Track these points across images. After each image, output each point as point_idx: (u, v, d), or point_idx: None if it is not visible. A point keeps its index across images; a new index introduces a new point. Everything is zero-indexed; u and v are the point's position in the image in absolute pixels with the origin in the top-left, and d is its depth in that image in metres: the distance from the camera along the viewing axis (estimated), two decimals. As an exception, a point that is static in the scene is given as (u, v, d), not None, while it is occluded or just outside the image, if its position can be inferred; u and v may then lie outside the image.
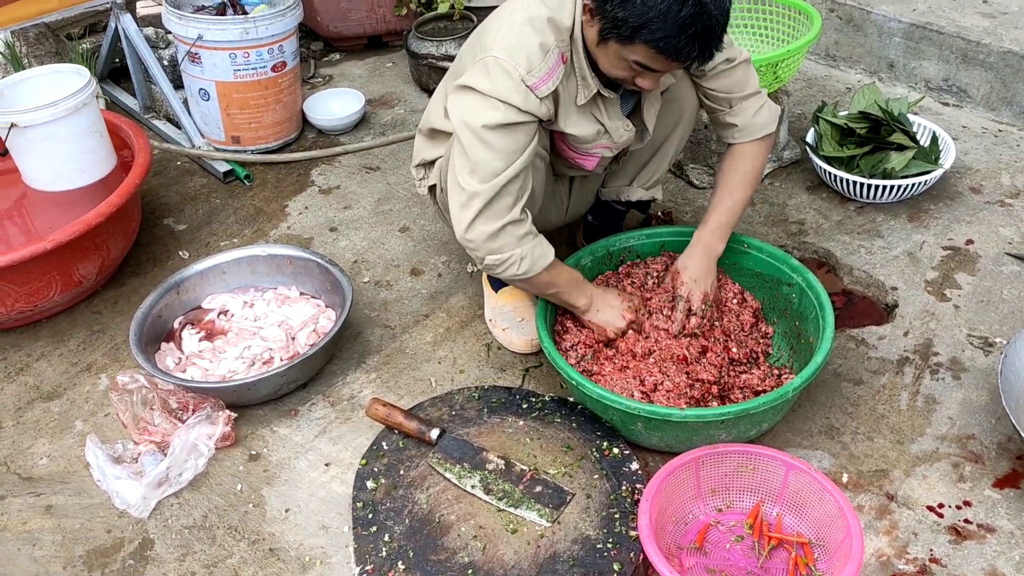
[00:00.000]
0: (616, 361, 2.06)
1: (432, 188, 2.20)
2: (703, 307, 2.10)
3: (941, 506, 1.88)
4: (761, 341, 2.16)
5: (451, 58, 3.25)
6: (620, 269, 2.29)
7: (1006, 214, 2.63)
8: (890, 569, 1.77)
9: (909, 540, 1.82)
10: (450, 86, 1.96)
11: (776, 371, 2.09)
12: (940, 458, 1.97)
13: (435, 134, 2.12)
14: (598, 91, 1.91)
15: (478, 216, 1.86)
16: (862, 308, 2.42)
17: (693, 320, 2.09)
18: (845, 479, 1.94)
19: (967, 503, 1.88)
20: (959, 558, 1.78)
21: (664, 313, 2.11)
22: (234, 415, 2.12)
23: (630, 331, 2.10)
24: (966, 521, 1.84)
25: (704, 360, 2.04)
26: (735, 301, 2.19)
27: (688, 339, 2.07)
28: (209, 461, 2.06)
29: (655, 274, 2.24)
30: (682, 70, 2.06)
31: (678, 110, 2.16)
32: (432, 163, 2.17)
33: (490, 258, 1.91)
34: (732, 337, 2.12)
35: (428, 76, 3.36)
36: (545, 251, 1.94)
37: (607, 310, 2.09)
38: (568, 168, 2.15)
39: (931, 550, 1.80)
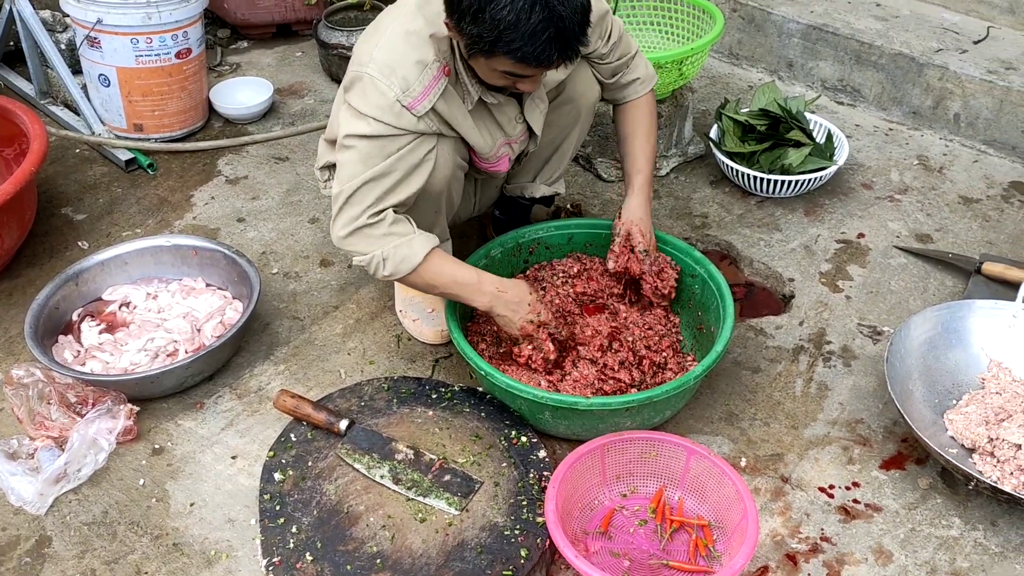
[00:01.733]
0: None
1: None
2: (644, 250, 2.15)
3: (832, 487, 1.97)
4: (672, 331, 2.22)
5: (361, 48, 3.23)
6: (528, 272, 2.31)
7: (895, 209, 2.76)
8: (784, 548, 1.85)
9: (802, 520, 1.90)
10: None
11: (681, 358, 2.16)
12: (831, 442, 2.07)
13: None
14: (479, 97, 1.93)
15: (336, 218, 1.92)
16: (761, 299, 2.51)
17: (635, 265, 2.14)
18: (743, 463, 2.02)
19: (856, 484, 1.97)
20: (848, 536, 1.87)
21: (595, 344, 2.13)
22: (136, 409, 2.08)
23: (526, 343, 2.03)
24: (855, 501, 1.94)
25: (621, 359, 2.08)
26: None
27: (605, 322, 2.12)
28: (110, 456, 2.01)
29: (562, 274, 2.28)
30: (582, 60, 2.11)
31: (575, 109, 2.20)
32: (335, 166, 2.16)
33: (355, 259, 1.94)
34: (650, 335, 2.17)
35: (338, 66, 3.33)
36: (411, 252, 1.89)
37: (505, 317, 2.00)
38: (482, 174, 2.18)
39: (822, 529, 1.88)
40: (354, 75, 1.88)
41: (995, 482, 1.86)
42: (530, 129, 2.08)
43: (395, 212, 1.92)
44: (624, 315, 2.19)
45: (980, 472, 1.90)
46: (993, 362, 2.13)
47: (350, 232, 1.90)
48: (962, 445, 1.98)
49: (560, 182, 2.38)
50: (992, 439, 1.93)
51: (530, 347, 2.03)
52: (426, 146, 1.91)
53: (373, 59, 1.84)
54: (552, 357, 2.04)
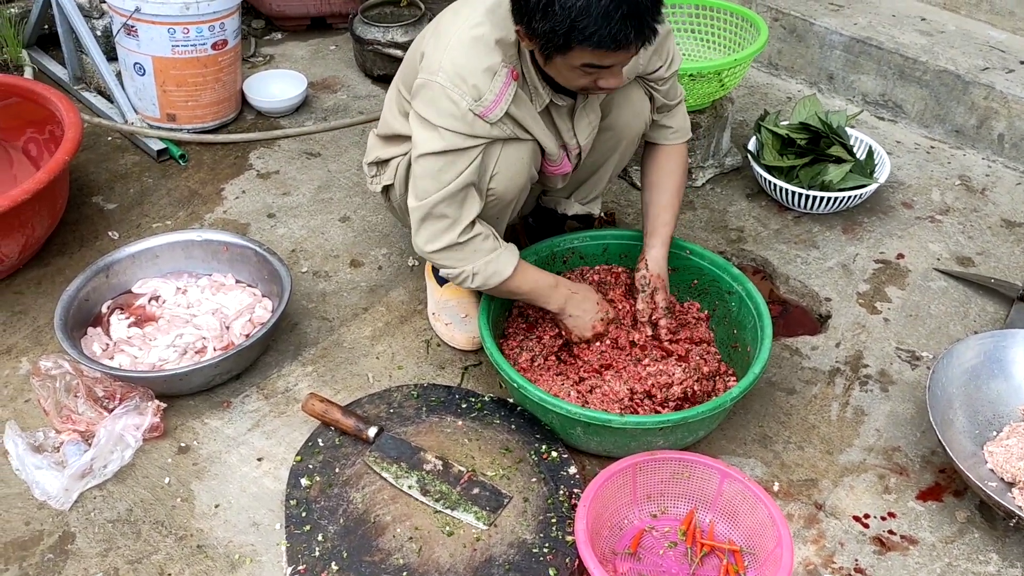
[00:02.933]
0: (562, 367, 2.07)
1: (386, 188, 2.17)
2: (665, 307, 2.13)
3: (867, 516, 1.93)
4: (710, 351, 2.18)
5: (397, 45, 3.20)
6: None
7: (935, 230, 2.71)
8: (817, 577, 1.82)
9: (836, 549, 1.86)
10: (402, 88, 2.01)
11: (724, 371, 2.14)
12: (867, 469, 2.03)
13: (391, 136, 2.10)
14: (551, 100, 1.91)
15: (418, 232, 1.94)
16: (796, 317, 2.46)
17: (660, 318, 2.13)
18: (776, 487, 1.98)
19: (892, 514, 1.93)
20: (883, 569, 1.83)
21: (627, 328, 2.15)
22: (163, 405, 2.06)
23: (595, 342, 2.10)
24: (890, 532, 1.90)
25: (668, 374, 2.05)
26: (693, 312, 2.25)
27: (646, 354, 2.10)
28: (136, 453, 2.00)
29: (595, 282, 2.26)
30: (639, 83, 2.09)
31: (615, 137, 2.17)
32: (386, 162, 2.14)
33: (443, 271, 1.98)
34: (704, 349, 2.15)
35: (373, 62, 3.31)
36: (500, 267, 1.94)
37: (579, 317, 2.07)
38: (545, 180, 2.16)
39: (856, 560, 1.85)
40: (422, 82, 1.85)
41: (1036, 519, 1.81)
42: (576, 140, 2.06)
43: (478, 224, 1.93)
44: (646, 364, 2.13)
45: (1020, 508, 1.86)
46: (1036, 394, 2.08)
47: (439, 249, 1.92)
48: (1002, 479, 1.94)
49: (596, 203, 2.36)
50: (1034, 474, 1.89)
51: (598, 344, 2.10)
52: (494, 151, 1.89)
53: (443, 67, 1.81)
54: (627, 343, 2.11)
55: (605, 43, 1.67)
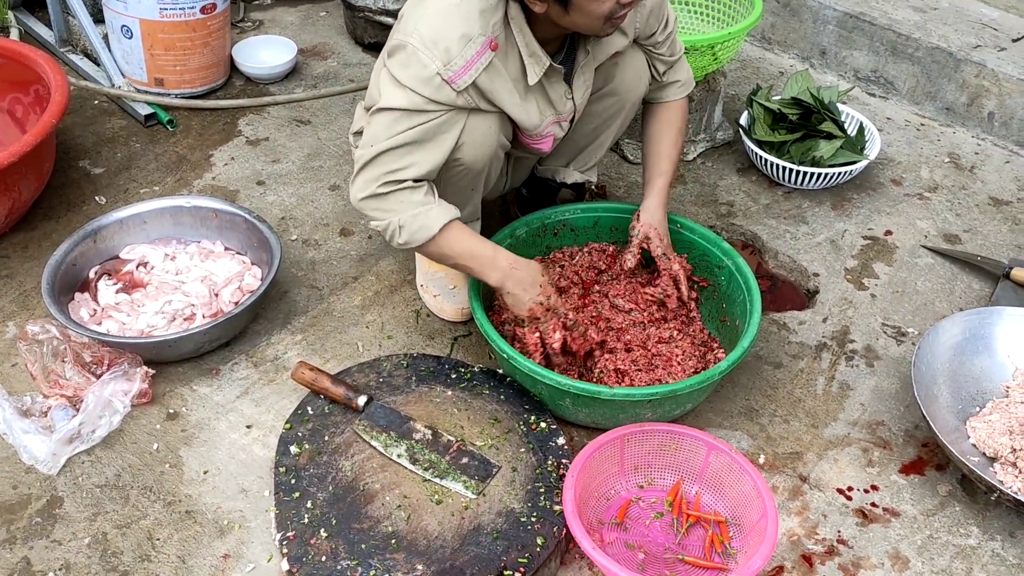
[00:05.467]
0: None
1: None
2: (663, 254, 2.13)
3: (850, 489, 1.95)
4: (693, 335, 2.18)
5: (388, 12, 3.17)
6: (549, 257, 2.28)
7: (924, 207, 2.72)
8: (800, 549, 1.84)
9: (819, 521, 1.89)
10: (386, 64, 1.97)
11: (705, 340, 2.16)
12: (851, 443, 2.05)
13: None
14: (550, 64, 1.90)
15: (355, 178, 1.91)
16: (785, 292, 2.48)
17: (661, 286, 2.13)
18: (762, 460, 2.00)
19: (874, 487, 1.96)
20: (865, 540, 1.86)
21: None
22: (152, 372, 2.06)
23: (532, 327, 1.98)
24: (873, 505, 1.92)
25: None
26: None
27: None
28: (124, 419, 1.99)
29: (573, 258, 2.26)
30: (639, 48, 2.08)
31: (619, 103, 2.17)
32: None
33: (371, 223, 1.93)
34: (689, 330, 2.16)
35: (363, 29, 3.27)
36: (428, 222, 1.86)
37: (516, 295, 1.95)
38: (526, 152, 2.14)
39: (839, 531, 1.87)
40: (397, 43, 1.84)
41: (1016, 493, 1.84)
42: (573, 99, 2.04)
43: (416, 182, 1.89)
44: (645, 331, 2.13)
45: (1001, 482, 1.88)
46: (1019, 371, 2.10)
47: (368, 195, 1.88)
48: (984, 453, 1.96)
49: (594, 171, 2.35)
50: (1016, 449, 1.91)
51: (536, 334, 1.98)
52: (456, 121, 1.87)
53: (417, 29, 1.80)
54: (556, 348, 1.98)
55: None
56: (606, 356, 2.05)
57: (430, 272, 2.27)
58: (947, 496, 1.95)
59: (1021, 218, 2.70)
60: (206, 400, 2.07)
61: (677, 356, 2.06)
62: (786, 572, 1.80)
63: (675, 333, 2.13)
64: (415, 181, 1.88)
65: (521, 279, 1.95)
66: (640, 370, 2.02)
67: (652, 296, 2.15)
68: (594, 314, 2.13)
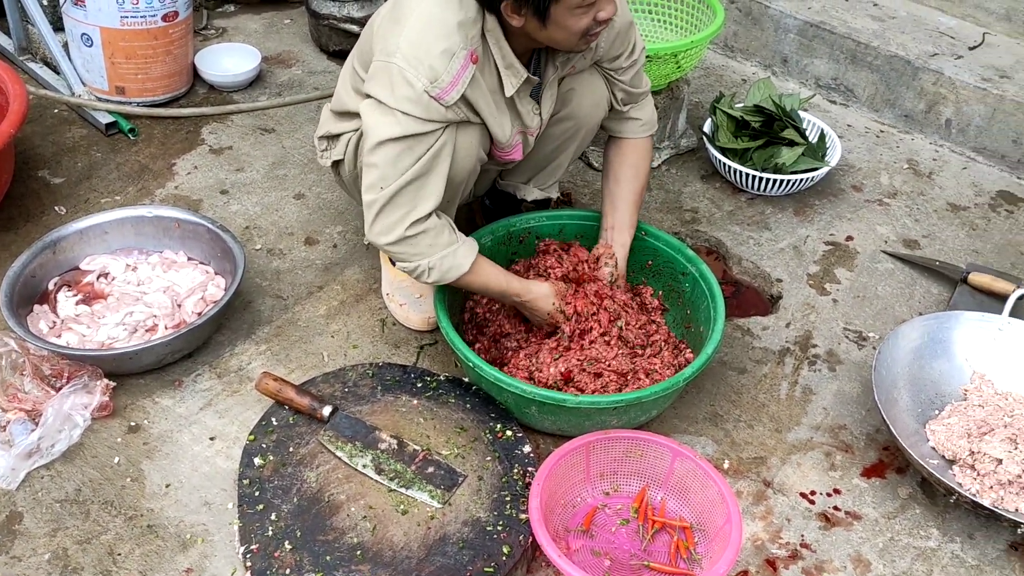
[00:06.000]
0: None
1: (336, 163, 2.15)
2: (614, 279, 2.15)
3: (813, 493, 1.97)
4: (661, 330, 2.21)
5: (353, 20, 3.16)
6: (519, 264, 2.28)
7: (884, 213, 2.76)
8: (764, 553, 1.85)
9: (783, 525, 1.91)
10: (357, 65, 1.98)
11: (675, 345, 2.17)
12: (814, 447, 2.07)
13: (343, 112, 2.08)
14: (526, 76, 1.90)
15: (373, 223, 1.89)
16: (748, 298, 2.50)
17: (619, 292, 2.15)
18: (726, 465, 2.01)
19: (837, 491, 1.98)
20: (827, 543, 1.88)
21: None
22: (113, 384, 2.03)
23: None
24: (835, 508, 1.95)
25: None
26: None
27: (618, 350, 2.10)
28: (84, 432, 1.97)
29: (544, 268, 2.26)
30: (599, 72, 2.10)
31: (576, 126, 2.18)
32: (337, 137, 2.11)
33: (399, 264, 1.95)
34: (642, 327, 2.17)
35: (328, 37, 3.26)
36: (457, 263, 1.91)
37: (533, 312, 2.07)
38: (494, 164, 2.15)
39: (802, 535, 1.89)
40: (379, 65, 1.82)
41: (974, 495, 1.87)
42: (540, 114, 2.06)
43: (436, 215, 1.90)
44: (615, 296, 2.15)
45: (960, 485, 1.91)
46: (976, 374, 2.14)
47: (395, 240, 1.88)
48: (943, 456, 1.99)
49: (554, 187, 2.36)
50: (973, 452, 1.94)
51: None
52: (449, 139, 1.88)
53: (400, 48, 1.79)
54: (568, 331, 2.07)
55: None
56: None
57: (396, 281, 2.27)
58: (907, 499, 1.97)
59: (978, 223, 2.75)
60: (168, 412, 2.04)
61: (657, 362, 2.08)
62: (750, 577, 1.81)
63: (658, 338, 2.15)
64: (437, 215, 1.90)
65: (529, 308, 2.06)
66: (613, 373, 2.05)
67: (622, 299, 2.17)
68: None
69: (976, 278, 2.43)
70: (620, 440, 1.90)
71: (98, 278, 2.27)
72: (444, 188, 1.89)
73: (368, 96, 1.87)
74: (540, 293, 2.06)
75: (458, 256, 1.92)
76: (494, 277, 2.01)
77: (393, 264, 2.24)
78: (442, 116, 1.82)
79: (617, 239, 2.18)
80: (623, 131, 2.21)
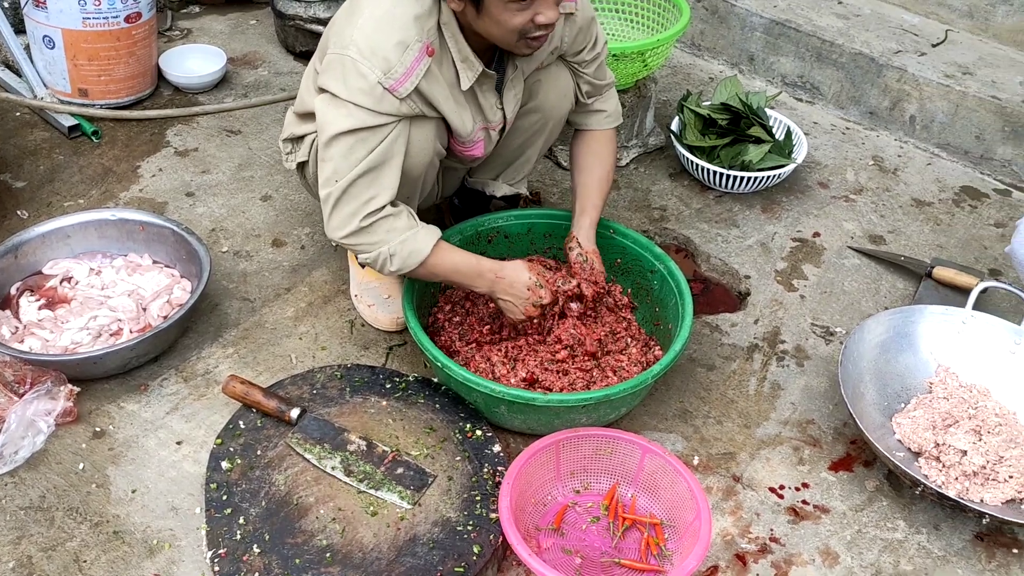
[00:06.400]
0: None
1: (301, 165, 2.14)
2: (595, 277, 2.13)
3: (782, 487, 1.99)
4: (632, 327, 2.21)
5: (319, 21, 3.14)
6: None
7: (850, 209, 2.79)
8: (734, 548, 1.86)
9: (752, 520, 1.92)
10: (318, 65, 1.95)
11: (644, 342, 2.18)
12: (783, 442, 2.09)
13: (307, 114, 2.06)
14: (482, 70, 1.90)
15: (330, 218, 1.89)
16: (717, 295, 2.51)
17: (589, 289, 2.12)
18: (696, 461, 2.02)
19: (805, 485, 1.99)
20: (796, 537, 1.89)
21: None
22: (77, 389, 2.01)
23: (529, 327, 2.07)
24: (804, 502, 1.96)
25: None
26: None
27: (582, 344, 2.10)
28: (48, 438, 1.94)
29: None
30: (565, 65, 2.10)
31: (543, 119, 2.18)
32: (301, 139, 2.10)
33: (360, 257, 1.93)
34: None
35: (295, 38, 3.24)
36: (418, 246, 1.89)
37: (508, 302, 2.00)
38: (457, 161, 2.14)
39: (772, 529, 1.90)
40: (333, 58, 1.82)
41: (940, 487, 1.89)
42: (503, 111, 2.05)
43: (393, 205, 1.89)
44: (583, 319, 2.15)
45: (926, 476, 1.93)
46: (941, 367, 2.16)
47: (351, 232, 1.87)
48: (909, 449, 2.01)
49: (523, 183, 2.36)
50: (938, 444, 1.96)
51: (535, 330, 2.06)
52: (403, 132, 1.87)
53: (354, 41, 1.78)
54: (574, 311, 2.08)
55: None
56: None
57: (364, 282, 2.26)
58: (875, 491, 1.99)
59: (942, 218, 2.78)
60: (134, 417, 2.02)
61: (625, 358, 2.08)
62: (720, 572, 1.82)
63: (629, 341, 2.16)
64: (392, 205, 1.89)
65: (506, 288, 1.99)
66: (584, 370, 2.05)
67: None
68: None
69: (940, 272, 2.45)
70: (590, 438, 1.90)
71: (61, 282, 2.24)
72: (399, 181, 1.88)
73: (323, 90, 1.86)
74: (516, 266, 2.01)
75: (419, 239, 1.89)
76: (462, 259, 1.98)
77: (362, 266, 2.23)
78: (395, 109, 1.82)
79: (581, 222, 2.15)
80: (588, 123, 2.22)
